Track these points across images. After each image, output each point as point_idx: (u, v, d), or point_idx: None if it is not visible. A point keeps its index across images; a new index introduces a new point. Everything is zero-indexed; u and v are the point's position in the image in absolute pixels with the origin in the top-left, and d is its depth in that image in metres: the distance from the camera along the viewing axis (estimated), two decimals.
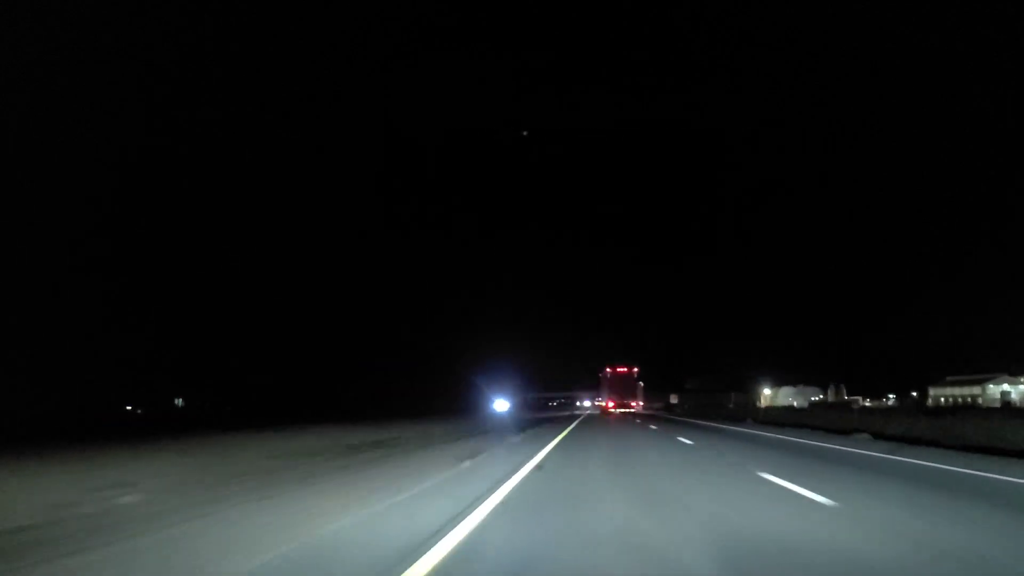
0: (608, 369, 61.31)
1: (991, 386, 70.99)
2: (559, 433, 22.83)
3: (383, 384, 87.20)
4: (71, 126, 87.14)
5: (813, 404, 65.97)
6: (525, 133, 74.19)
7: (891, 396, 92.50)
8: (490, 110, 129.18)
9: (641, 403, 77.58)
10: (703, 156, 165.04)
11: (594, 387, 75.04)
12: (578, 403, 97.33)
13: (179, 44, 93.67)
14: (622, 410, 58.80)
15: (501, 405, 53.70)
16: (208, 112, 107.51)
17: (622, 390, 60.71)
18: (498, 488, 8.58)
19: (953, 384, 72.53)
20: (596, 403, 71.09)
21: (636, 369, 61.69)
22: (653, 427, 31.33)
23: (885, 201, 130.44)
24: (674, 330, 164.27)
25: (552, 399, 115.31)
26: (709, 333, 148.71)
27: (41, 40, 69.96)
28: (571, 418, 48.69)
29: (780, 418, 34.32)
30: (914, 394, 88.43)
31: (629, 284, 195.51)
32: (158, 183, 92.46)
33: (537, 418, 49.32)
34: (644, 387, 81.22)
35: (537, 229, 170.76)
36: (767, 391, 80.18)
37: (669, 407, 77.73)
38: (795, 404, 66.12)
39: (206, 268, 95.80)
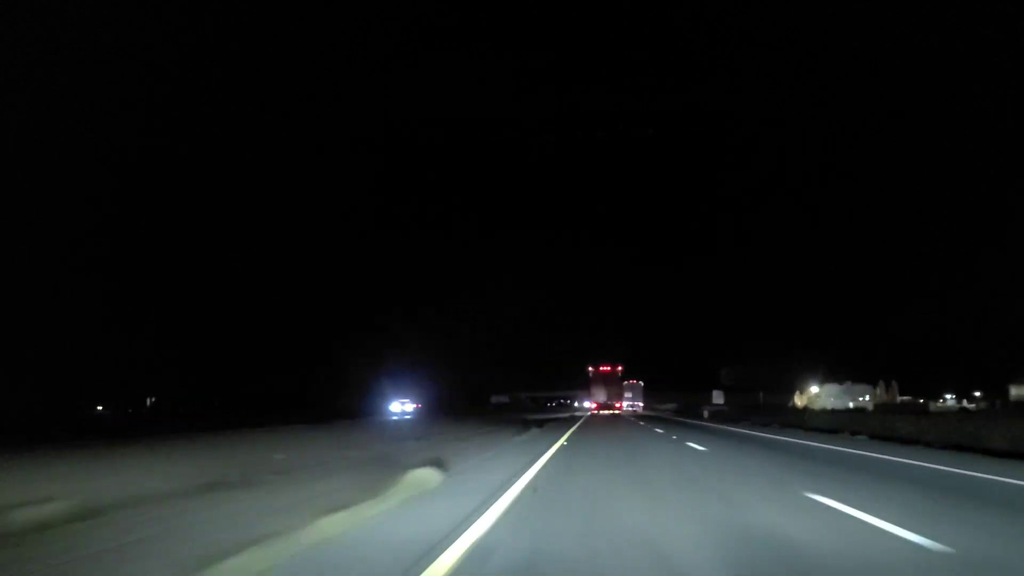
0: (591, 369, 56.24)
1: None
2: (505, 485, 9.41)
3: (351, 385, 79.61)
4: (71, 126, 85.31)
5: (885, 407, 51.97)
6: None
7: (948, 396, 78.70)
8: (490, 110, 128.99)
9: (640, 404, 71.22)
10: (703, 156, 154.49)
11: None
12: (577, 403, 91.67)
13: (179, 44, 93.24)
14: (607, 411, 53.25)
15: (399, 407, 41.80)
16: (208, 112, 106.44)
17: (607, 390, 55.58)
18: None
19: None
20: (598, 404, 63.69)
21: (620, 367, 56.61)
22: (697, 451, 17.80)
23: (885, 200, 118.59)
24: (687, 329, 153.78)
25: (552, 399, 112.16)
26: (736, 331, 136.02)
27: (41, 40, 70.23)
28: (568, 423, 35.84)
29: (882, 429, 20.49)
30: (977, 393, 74.69)
31: (633, 283, 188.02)
32: (158, 183, 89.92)
33: (521, 420, 36.26)
34: (645, 387, 75.07)
35: (537, 229, 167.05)
36: (814, 389, 65.84)
37: (683, 410, 65.34)
38: (851, 405, 52.31)
39: (201, 267, 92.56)
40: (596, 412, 53.61)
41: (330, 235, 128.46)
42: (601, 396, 56.59)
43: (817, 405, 61.39)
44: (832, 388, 66.36)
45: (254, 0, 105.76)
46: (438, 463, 9.86)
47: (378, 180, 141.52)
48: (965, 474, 10.57)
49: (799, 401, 69.87)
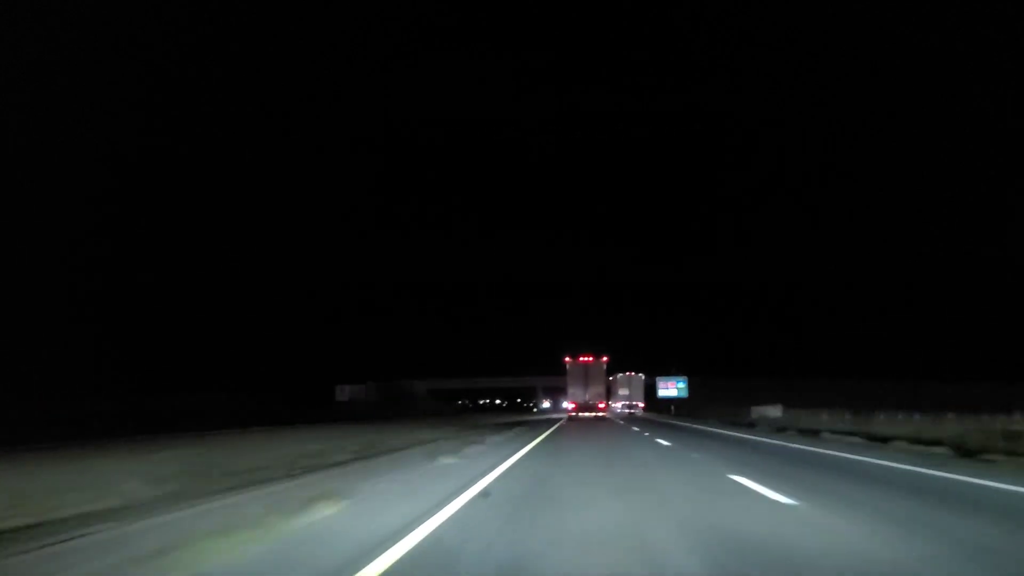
0: (567, 360, 45.44)
1: None
2: None
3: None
4: (71, 126, 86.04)
5: None
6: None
7: None
8: (490, 110, 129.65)
9: (640, 405, 62.77)
10: (703, 156, 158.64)
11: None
12: (537, 405, 79.43)
13: (179, 44, 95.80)
14: (588, 413, 44.54)
15: None
16: (208, 112, 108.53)
17: (587, 387, 45.26)
18: None
19: None
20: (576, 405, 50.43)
21: (605, 358, 46.09)
22: None
23: (885, 200, 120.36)
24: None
25: (511, 393, 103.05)
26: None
27: (41, 40, 71.14)
28: None
29: None
30: None
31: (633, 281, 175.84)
32: (158, 183, 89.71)
33: None
34: (646, 382, 66.67)
35: (537, 229, 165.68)
36: None
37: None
38: None
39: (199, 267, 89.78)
40: (574, 415, 45.08)
41: (329, 235, 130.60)
42: (580, 395, 45.60)
43: None
44: None
45: (254, 0, 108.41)
46: None
47: (378, 180, 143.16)
48: None
49: None
